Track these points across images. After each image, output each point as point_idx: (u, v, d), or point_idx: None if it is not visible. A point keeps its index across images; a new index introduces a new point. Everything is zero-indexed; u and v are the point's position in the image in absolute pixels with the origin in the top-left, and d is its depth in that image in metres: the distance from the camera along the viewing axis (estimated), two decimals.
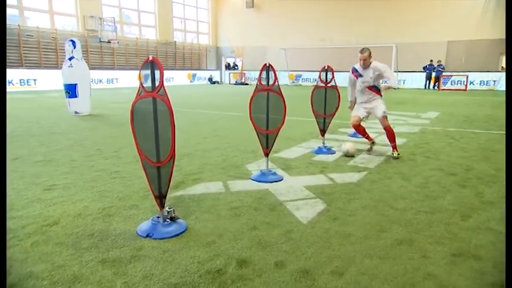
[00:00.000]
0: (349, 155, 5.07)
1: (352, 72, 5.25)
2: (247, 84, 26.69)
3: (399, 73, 23.16)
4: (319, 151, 5.33)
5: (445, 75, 22.30)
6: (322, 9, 26.18)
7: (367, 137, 5.48)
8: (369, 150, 5.41)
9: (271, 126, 3.98)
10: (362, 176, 4.22)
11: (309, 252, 2.48)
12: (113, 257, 2.37)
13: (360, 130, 5.36)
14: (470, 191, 3.75)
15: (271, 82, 3.93)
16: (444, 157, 5.15)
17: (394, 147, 5.12)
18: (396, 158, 5.01)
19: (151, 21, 26.95)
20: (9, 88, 17.90)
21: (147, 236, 2.64)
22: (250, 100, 3.98)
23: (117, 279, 2.12)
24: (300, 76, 26.72)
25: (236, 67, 30.40)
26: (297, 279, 2.16)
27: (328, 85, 5.22)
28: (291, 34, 27.15)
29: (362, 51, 5.02)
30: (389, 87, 5.11)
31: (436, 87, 22.52)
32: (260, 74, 3.95)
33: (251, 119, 4.02)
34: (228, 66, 30.67)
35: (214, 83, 29.28)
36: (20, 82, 18.42)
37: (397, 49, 22.42)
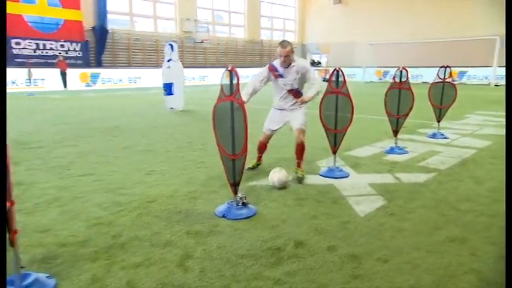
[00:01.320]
0: (280, 187, 3.91)
1: (271, 70, 4.12)
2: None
3: (498, 68, 20.85)
4: (391, 151, 5.42)
5: None
6: (413, 2, 24.73)
7: (259, 157, 4.62)
8: (250, 169, 4.41)
9: (339, 126, 4.27)
10: (430, 177, 4.28)
11: (360, 240, 2.77)
12: (195, 229, 2.95)
13: (261, 148, 4.53)
14: None
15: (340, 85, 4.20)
16: None
17: (299, 164, 4.21)
18: (301, 179, 4.10)
19: (241, 21, 28.26)
20: (119, 86, 20.52)
21: (223, 216, 3.18)
22: (321, 102, 4.31)
23: (198, 247, 2.68)
24: (387, 73, 25.67)
25: (319, 64, 30.31)
26: (344, 261, 2.49)
27: (403, 86, 5.26)
28: (379, 29, 26.19)
29: (282, 44, 3.89)
30: (303, 100, 4.16)
31: None
32: (331, 77, 4.25)
33: (321, 119, 4.35)
34: (312, 63, 30.74)
35: None
36: (128, 80, 20.95)
37: (502, 42, 20.24)
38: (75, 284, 2.18)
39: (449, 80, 6.30)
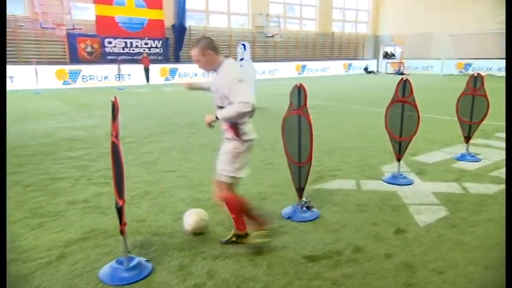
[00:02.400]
0: (196, 232, 3.16)
1: None
2: (405, 74, 25.32)
3: None
4: (462, 158, 5.31)
5: None
6: None
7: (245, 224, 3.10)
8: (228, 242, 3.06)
9: (404, 134, 4.35)
10: (501, 189, 4.19)
11: (416, 250, 2.94)
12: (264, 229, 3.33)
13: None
14: None
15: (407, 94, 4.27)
16: None
17: (237, 224, 3.02)
18: (230, 242, 3.01)
19: (312, 14, 28.07)
20: (195, 79, 21.80)
21: (288, 218, 3.53)
22: (387, 109, 4.42)
23: (266, 245, 3.06)
24: (470, 65, 23.81)
25: (393, 56, 29.00)
26: (399, 269, 2.70)
27: (477, 92, 5.11)
28: (461, 18, 24.25)
29: (197, 44, 2.80)
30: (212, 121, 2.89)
31: None
32: (398, 87, 4.34)
33: (386, 127, 4.47)
34: (386, 55, 29.53)
35: (369, 72, 28.72)
36: (203, 74, 22.11)
37: None
38: (167, 269, 2.69)
39: None
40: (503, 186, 4.26)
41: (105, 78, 19.25)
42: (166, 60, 21.61)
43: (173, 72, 21.32)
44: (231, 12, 24.55)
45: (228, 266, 2.72)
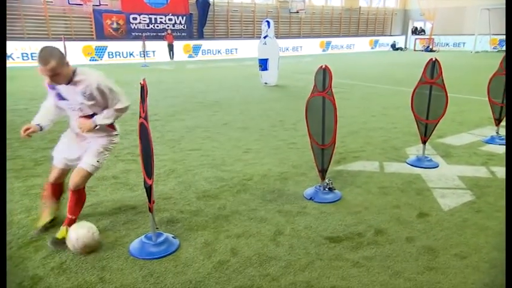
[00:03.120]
0: (83, 252, 2.63)
1: (49, 88, 2.79)
2: (434, 51, 24.37)
3: None
4: (491, 141, 5.16)
5: None
6: None
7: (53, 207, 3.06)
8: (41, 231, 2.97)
9: (431, 117, 4.26)
10: None
11: (439, 234, 2.94)
12: (286, 209, 3.39)
13: (55, 192, 3.06)
14: None
15: (435, 76, 4.16)
16: None
17: (69, 222, 2.81)
18: (55, 243, 2.74)
19: None
20: (217, 57, 21.77)
21: (310, 199, 3.57)
22: (413, 92, 4.32)
23: (287, 225, 3.12)
24: (504, 41, 22.61)
25: (423, 32, 27.85)
26: (421, 253, 2.71)
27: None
28: None
29: (41, 58, 2.48)
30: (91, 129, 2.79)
31: None
32: (426, 67, 4.22)
33: (412, 110, 4.38)
34: (414, 31, 28.40)
35: (397, 49, 27.79)
36: (226, 51, 22.05)
37: None
38: (193, 245, 2.80)
39: None
40: None
41: (131, 54, 19.46)
42: (190, 36, 21.58)
43: (197, 48, 21.28)
44: None
45: (251, 245, 2.81)
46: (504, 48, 22.87)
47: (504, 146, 4.99)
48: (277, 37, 11.50)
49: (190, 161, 4.66)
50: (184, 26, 21.40)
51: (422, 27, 28.32)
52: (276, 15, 23.47)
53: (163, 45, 19.86)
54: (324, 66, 3.34)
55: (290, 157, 4.77)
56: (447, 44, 25.13)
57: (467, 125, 6.09)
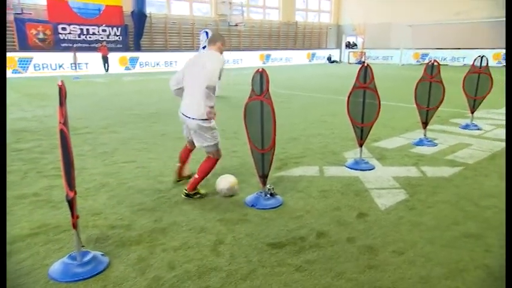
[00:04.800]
0: (227, 195, 3.67)
1: None
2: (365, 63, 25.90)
3: None
4: (420, 143, 5.47)
5: None
6: None
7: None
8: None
9: (365, 120, 4.40)
10: (456, 172, 4.35)
11: (377, 233, 2.98)
12: (226, 217, 3.26)
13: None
14: None
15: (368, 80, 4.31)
16: None
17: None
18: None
19: (275, 3, 27.98)
20: (156, 69, 21.20)
21: (252, 206, 3.47)
22: (348, 96, 4.45)
23: (228, 233, 2.99)
24: (426, 55, 24.74)
25: (355, 46, 29.61)
26: (361, 252, 2.72)
27: (433, 79, 5.26)
28: (420, 9, 25.08)
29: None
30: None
31: None
32: (359, 73, 4.37)
33: (348, 114, 4.50)
34: (348, 45, 30.08)
35: (333, 62, 29.19)
36: (165, 64, 21.57)
37: None
38: (125, 262, 2.55)
39: (485, 69, 6.16)
40: (458, 169, 4.43)
41: (60, 66, 18.25)
42: (126, 48, 20.79)
43: (133, 61, 20.55)
44: (193, 0, 23.98)
45: (189, 257, 2.63)
46: (426, 61, 24.99)
47: (432, 148, 5.31)
48: None
49: (124, 173, 4.36)
50: (119, 38, 20.58)
51: (355, 42, 30.07)
52: (215, 27, 23.50)
53: (97, 57, 18.89)
54: (260, 70, 3.30)
55: (231, 165, 4.66)
56: (377, 57, 26.91)
57: (398, 129, 6.42)
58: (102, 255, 2.58)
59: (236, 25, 24.61)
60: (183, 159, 4.02)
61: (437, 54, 24.06)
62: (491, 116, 7.50)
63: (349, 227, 3.09)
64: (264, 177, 3.56)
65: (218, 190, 3.69)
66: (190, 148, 3.95)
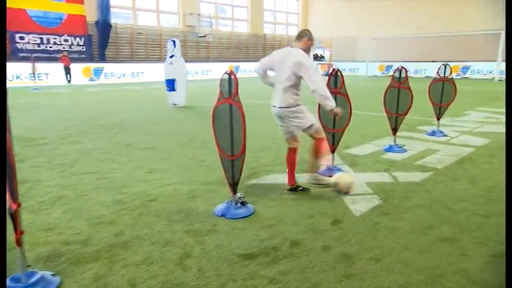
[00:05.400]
0: (342, 192, 3.79)
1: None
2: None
3: (502, 63, 20.78)
4: (390, 149, 5.48)
5: None
6: None
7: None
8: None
9: (337, 126, 4.33)
10: (426, 176, 4.35)
11: (353, 240, 2.86)
12: (194, 229, 3.04)
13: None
14: None
15: (338, 85, 4.26)
16: None
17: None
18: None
19: (244, 15, 28.19)
20: (122, 80, 20.63)
21: (222, 215, 3.27)
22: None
23: (196, 246, 2.77)
24: (390, 67, 25.58)
25: (323, 58, 30.24)
26: (337, 260, 2.58)
27: (402, 86, 5.30)
28: (383, 23, 26.03)
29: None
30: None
31: None
32: (329, 78, 4.31)
33: (320, 120, 4.42)
34: (315, 57, 30.65)
35: None
36: (131, 75, 21.05)
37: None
38: (79, 282, 2.28)
39: (449, 77, 6.32)
40: (428, 174, 4.43)
41: (17, 77, 17.30)
42: (90, 59, 20.13)
43: (98, 71, 19.90)
44: (160, 11, 23.70)
45: (153, 272, 2.39)
46: (390, 73, 25.81)
47: (402, 154, 5.32)
48: (186, 61, 11.21)
49: (83, 185, 4.04)
50: (82, 48, 19.91)
51: (322, 54, 30.69)
52: (184, 38, 23.30)
53: (58, 67, 18.13)
54: (229, 71, 3.14)
55: (200, 175, 4.44)
56: (344, 69, 27.49)
57: (368, 136, 6.43)
58: (53, 275, 2.30)
59: (204, 36, 24.52)
60: (292, 165, 3.91)
61: (397, 72, 24.94)
62: (454, 123, 7.71)
63: (324, 234, 2.96)
64: (234, 185, 3.38)
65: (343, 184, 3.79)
66: (292, 147, 3.91)
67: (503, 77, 20.98)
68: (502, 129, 7.12)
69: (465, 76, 22.01)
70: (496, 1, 21.53)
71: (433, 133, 6.54)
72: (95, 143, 6.06)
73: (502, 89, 15.74)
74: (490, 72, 21.70)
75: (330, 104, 3.59)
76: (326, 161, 4.27)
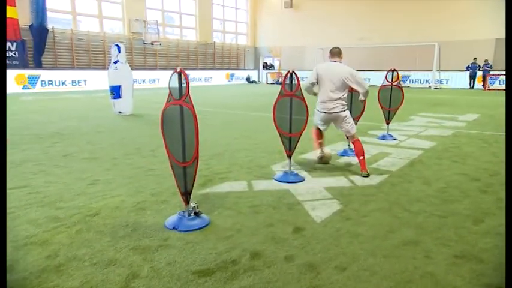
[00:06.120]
0: (323, 161, 4.97)
1: None
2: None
3: (442, 72, 22.36)
4: (344, 153, 5.47)
5: (492, 75, 21.24)
6: (361, 7, 25.75)
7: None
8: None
9: (294, 130, 4.20)
10: (383, 179, 4.34)
11: (317, 248, 2.69)
12: (143, 245, 2.71)
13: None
14: (490, 196, 3.77)
15: (294, 88, 4.14)
16: (472, 162, 5.12)
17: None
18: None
19: (192, 23, 27.80)
20: (62, 88, 19.29)
21: (174, 228, 2.97)
22: (274, 105, 4.22)
23: (145, 264, 2.45)
24: None
25: (272, 67, 30.63)
26: (302, 272, 2.39)
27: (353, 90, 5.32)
28: (330, 33, 26.95)
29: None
30: None
31: (482, 87, 21.54)
32: (284, 80, 4.17)
33: (275, 123, 4.26)
34: (265, 66, 30.98)
35: (251, 82, 29.72)
36: (72, 83, 19.74)
37: (440, 48, 21.62)
38: None
39: (396, 83, 6.50)
40: (384, 177, 4.43)
41: None
42: (23, 65, 18.57)
43: (33, 79, 18.40)
44: (104, 16, 22.63)
45: None
46: None
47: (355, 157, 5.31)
48: (132, 68, 10.61)
49: (10, 201, 3.52)
50: (15, 54, 18.34)
51: (272, 63, 31.07)
52: (130, 46, 22.39)
53: None
54: (179, 70, 2.87)
55: (148, 185, 4.08)
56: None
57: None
58: None
59: (152, 44, 23.76)
60: (320, 139, 4.97)
61: None
62: (401, 127, 7.96)
63: (286, 244, 2.76)
64: (187, 195, 3.09)
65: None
66: (356, 139, 4.65)
67: (439, 85, 22.54)
68: (445, 132, 7.47)
69: (406, 85, 23.31)
70: (433, 15, 23.15)
71: (383, 137, 6.66)
72: (26, 154, 5.43)
73: (439, 96, 16.81)
74: (427, 81, 23.18)
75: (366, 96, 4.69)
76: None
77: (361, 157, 4.52)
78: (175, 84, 2.89)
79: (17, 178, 4.25)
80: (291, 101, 4.16)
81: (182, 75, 2.86)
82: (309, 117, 4.20)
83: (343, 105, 4.53)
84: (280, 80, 27.61)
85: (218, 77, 27.70)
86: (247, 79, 29.90)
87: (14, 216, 3.17)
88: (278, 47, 29.50)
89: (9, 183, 4.07)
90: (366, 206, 3.51)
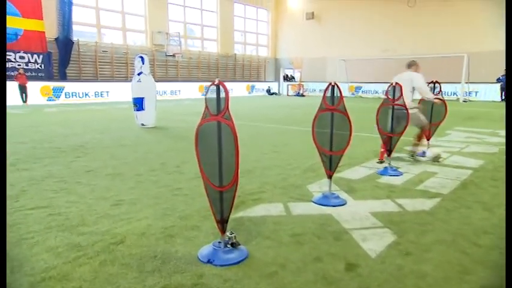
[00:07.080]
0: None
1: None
2: (304, 95, 26.53)
3: (470, 84, 21.55)
4: (384, 172, 5.02)
5: None
6: (386, 19, 25.26)
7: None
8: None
9: (335, 148, 3.80)
10: (435, 204, 3.87)
11: None
12: (174, 283, 2.34)
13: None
14: None
15: (336, 102, 3.76)
16: None
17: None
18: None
19: (214, 35, 27.90)
20: (85, 100, 19.47)
21: (208, 261, 2.60)
22: (314, 120, 3.85)
23: None
24: (359, 88, 25.96)
25: (293, 79, 30.34)
26: None
27: (396, 103, 4.90)
28: (352, 45, 26.52)
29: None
30: None
31: None
32: (325, 93, 3.80)
33: (314, 140, 3.88)
34: (286, 78, 30.71)
35: (272, 94, 29.46)
36: (95, 94, 19.92)
37: (469, 59, 20.86)
38: None
39: (439, 96, 6.03)
40: (436, 201, 3.96)
41: None
42: (49, 77, 18.85)
43: (58, 91, 18.64)
44: (127, 29, 22.91)
45: None
46: (360, 94, 26.16)
47: (399, 177, 4.86)
48: (154, 80, 10.45)
49: (29, 224, 3.24)
50: (41, 66, 18.62)
51: (292, 75, 30.80)
52: (152, 57, 22.53)
53: (13, 86, 16.77)
54: (217, 83, 2.54)
55: (176, 206, 3.74)
56: (314, 90, 27.61)
57: (356, 158, 5.95)
58: None
59: (174, 55, 23.88)
60: (428, 137, 6.08)
61: (370, 87, 25.35)
62: (440, 144, 7.43)
63: (341, 285, 2.35)
64: (223, 223, 2.72)
65: None
66: (426, 129, 5.82)
67: (467, 98, 21.71)
68: (490, 149, 6.91)
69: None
70: (464, 24, 22.45)
71: (423, 154, 6.17)
72: (48, 169, 5.20)
73: (470, 109, 16.09)
74: (454, 93, 22.38)
75: (430, 97, 5.73)
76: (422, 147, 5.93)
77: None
78: (213, 97, 2.55)
79: (38, 197, 3.98)
80: (332, 116, 3.78)
81: (221, 87, 2.52)
82: (352, 134, 3.79)
83: (413, 104, 5.63)
84: (300, 91, 27.26)
85: (239, 89, 27.58)
86: (268, 91, 29.68)
87: (33, 242, 2.87)
88: (299, 58, 29.22)
89: (30, 202, 3.80)
90: (424, 237, 3.06)
